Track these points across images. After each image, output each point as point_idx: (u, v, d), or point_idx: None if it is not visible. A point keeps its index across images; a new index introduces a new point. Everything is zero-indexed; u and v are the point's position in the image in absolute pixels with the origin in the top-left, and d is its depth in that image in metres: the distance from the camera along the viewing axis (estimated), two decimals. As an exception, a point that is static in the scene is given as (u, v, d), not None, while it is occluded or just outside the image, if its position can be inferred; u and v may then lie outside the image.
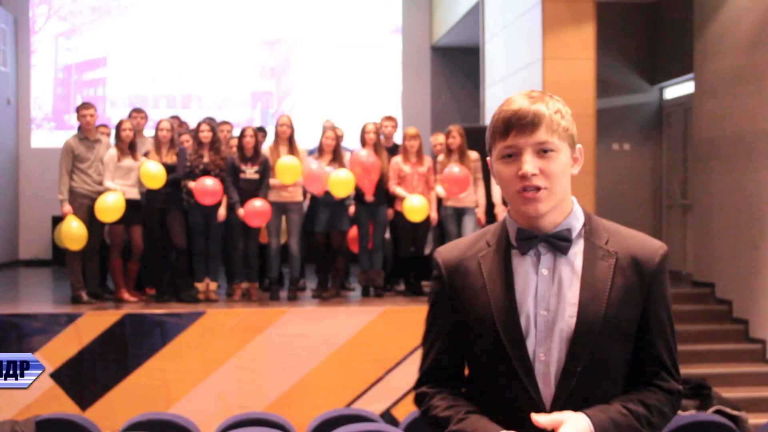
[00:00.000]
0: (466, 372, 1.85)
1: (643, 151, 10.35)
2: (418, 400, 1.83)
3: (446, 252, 1.82)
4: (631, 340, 1.71)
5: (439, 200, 7.28)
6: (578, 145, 1.74)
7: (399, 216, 7.23)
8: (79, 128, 7.08)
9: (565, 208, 1.73)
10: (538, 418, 1.61)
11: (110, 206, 6.69)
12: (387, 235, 7.54)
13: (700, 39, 8.70)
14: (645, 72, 10.32)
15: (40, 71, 11.95)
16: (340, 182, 6.89)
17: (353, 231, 7.46)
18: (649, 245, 1.76)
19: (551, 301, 1.69)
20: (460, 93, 12.12)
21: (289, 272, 7.35)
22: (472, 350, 1.77)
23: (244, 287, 7.26)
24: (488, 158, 1.77)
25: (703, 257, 8.65)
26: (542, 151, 1.65)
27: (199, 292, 7.10)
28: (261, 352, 6.49)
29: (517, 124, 1.65)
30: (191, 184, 6.90)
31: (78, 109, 7.10)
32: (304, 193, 7.31)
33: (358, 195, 7.18)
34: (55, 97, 11.97)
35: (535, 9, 8.16)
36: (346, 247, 7.51)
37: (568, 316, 1.67)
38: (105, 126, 7.88)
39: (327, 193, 7.05)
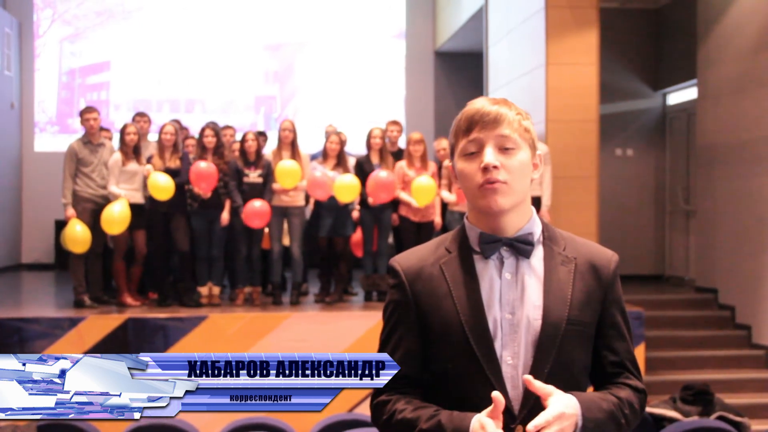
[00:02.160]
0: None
1: (646, 157, 10.35)
2: (377, 410, 1.77)
3: (405, 260, 1.81)
4: (591, 342, 1.76)
5: (444, 205, 7.29)
6: (538, 151, 1.78)
7: (403, 221, 7.23)
8: (84, 132, 7.11)
9: (526, 212, 1.76)
10: (532, 381, 1.61)
11: (117, 217, 6.69)
12: (391, 239, 7.53)
13: (704, 45, 8.71)
14: (648, 77, 10.33)
15: (43, 75, 11.97)
16: (345, 188, 6.89)
17: (357, 235, 7.46)
18: (604, 253, 1.80)
19: (516, 304, 1.71)
20: (463, 98, 11.89)
21: (292, 277, 7.35)
22: (437, 357, 1.75)
23: (247, 292, 7.26)
24: (449, 163, 1.81)
25: (706, 263, 8.64)
26: (504, 148, 1.70)
27: (202, 297, 7.10)
28: (263, 356, 6.48)
29: (480, 120, 1.71)
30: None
31: (81, 113, 7.12)
32: (307, 197, 7.31)
33: (363, 199, 7.19)
34: (59, 100, 11.99)
35: (539, 14, 8.17)
36: (349, 251, 7.51)
37: (533, 319, 1.69)
38: (107, 130, 7.90)
39: (331, 198, 7.06)
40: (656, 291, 9.04)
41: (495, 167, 1.67)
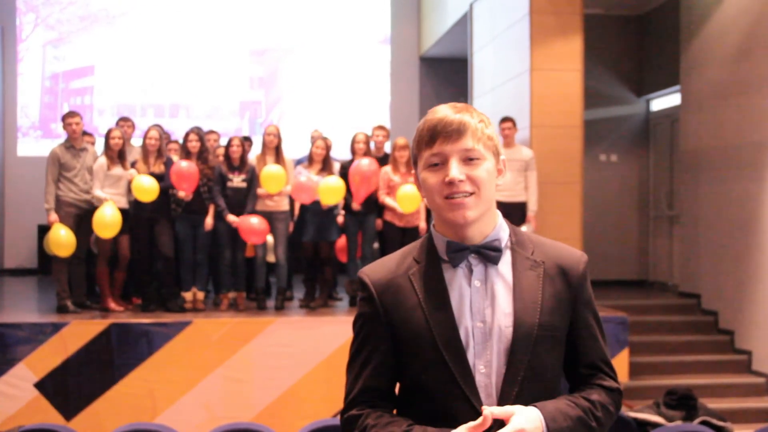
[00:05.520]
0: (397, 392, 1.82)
1: (630, 163, 10.41)
2: (348, 424, 1.73)
3: (373, 272, 1.78)
4: (563, 346, 1.75)
5: (429, 210, 7.29)
6: (502, 156, 1.76)
7: (388, 226, 7.23)
8: (66, 137, 7.07)
9: (492, 219, 1.75)
10: (491, 410, 1.59)
11: (108, 221, 6.65)
12: (376, 245, 7.53)
13: (687, 51, 8.78)
14: (632, 84, 10.39)
15: (26, 79, 11.89)
16: (330, 189, 6.89)
17: (342, 240, 7.45)
18: (572, 254, 1.79)
19: (486, 312, 1.70)
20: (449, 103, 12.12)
21: (277, 282, 7.33)
22: (408, 369, 1.73)
23: (231, 297, 7.23)
24: (413, 171, 1.79)
25: (689, 268, 8.69)
26: (468, 159, 1.68)
27: (186, 302, 7.07)
28: (248, 362, 6.46)
29: (443, 131, 1.68)
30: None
31: (64, 118, 7.08)
32: (291, 202, 7.30)
33: (347, 204, 7.18)
34: (42, 105, 11.91)
35: (524, 21, 8.20)
36: (334, 256, 7.50)
37: (505, 327, 1.68)
38: (90, 135, 7.86)
39: (315, 202, 7.05)
40: (640, 296, 9.08)
41: (461, 181, 1.66)
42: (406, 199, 6.93)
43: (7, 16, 11.77)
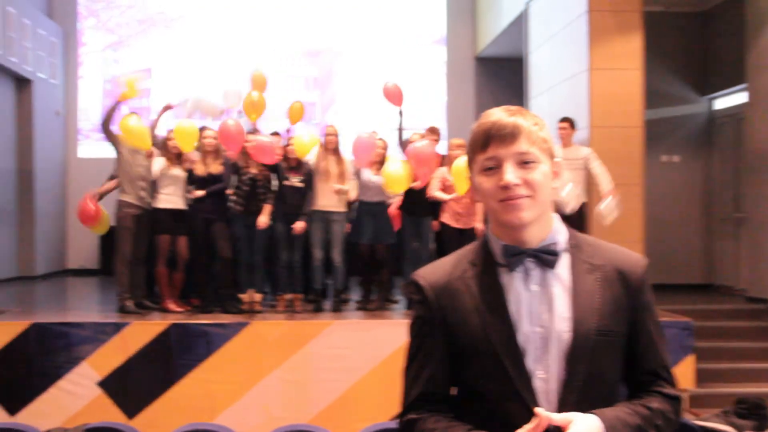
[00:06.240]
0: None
1: (693, 163, 10.14)
2: (406, 429, 1.74)
3: (429, 275, 1.77)
4: (623, 351, 1.72)
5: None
6: (557, 158, 1.73)
7: (445, 227, 7.17)
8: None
9: (549, 222, 1.72)
10: (550, 416, 1.57)
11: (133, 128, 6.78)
12: (432, 246, 7.48)
13: (753, 49, 8.51)
14: (695, 82, 10.12)
15: (87, 83, 12.14)
16: (396, 178, 6.80)
17: (394, 208, 7.42)
18: (631, 258, 1.76)
19: (544, 317, 1.67)
20: (504, 104, 11.68)
21: (334, 284, 7.32)
22: (465, 374, 1.72)
23: (288, 298, 7.24)
24: (468, 175, 1.76)
25: (758, 272, 8.42)
26: (523, 162, 1.66)
27: (244, 303, 7.10)
28: (305, 363, 6.46)
29: (497, 135, 1.66)
30: (248, 145, 6.97)
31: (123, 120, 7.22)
32: (350, 203, 7.29)
33: (404, 206, 7.14)
34: (102, 108, 12.12)
35: (581, 19, 8.06)
36: (391, 258, 7.46)
37: (563, 332, 1.66)
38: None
39: (372, 203, 7.04)
40: (705, 300, 8.82)
41: (516, 185, 1.64)
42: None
43: (69, 21, 12.03)
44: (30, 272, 10.73)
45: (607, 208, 7.05)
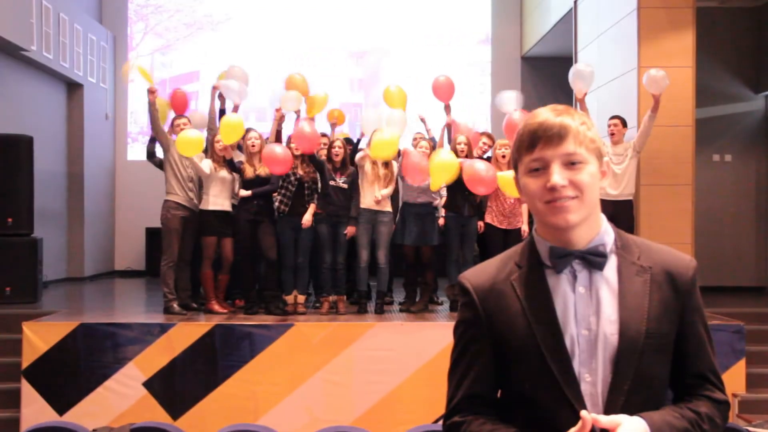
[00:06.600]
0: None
1: (746, 162, 9.87)
2: (452, 430, 1.73)
3: (475, 276, 1.75)
4: (671, 354, 1.69)
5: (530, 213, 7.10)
6: (605, 158, 1.69)
7: (489, 228, 7.09)
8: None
9: (597, 223, 1.69)
10: (598, 418, 1.54)
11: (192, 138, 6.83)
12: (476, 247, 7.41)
13: (810, 44, 8.25)
14: (749, 79, 9.85)
15: (136, 86, 12.29)
16: (442, 165, 6.62)
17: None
18: (681, 259, 1.72)
19: (591, 320, 1.65)
20: (551, 103, 11.79)
21: (377, 285, 7.29)
22: (511, 377, 1.70)
23: (332, 300, 7.23)
24: (514, 175, 1.72)
25: (814, 274, 8.15)
26: (570, 163, 1.62)
27: (287, 305, 7.11)
28: (349, 365, 6.44)
29: (544, 135, 1.63)
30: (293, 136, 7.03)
31: (173, 120, 7.36)
32: (395, 205, 7.26)
33: (448, 206, 7.08)
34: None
35: (631, 16, 7.90)
36: (435, 260, 7.40)
37: (610, 334, 1.63)
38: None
39: (416, 206, 6.99)
40: (758, 303, 8.57)
41: (563, 186, 1.60)
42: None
43: (119, 26, 12.24)
44: (78, 274, 10.92)
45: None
